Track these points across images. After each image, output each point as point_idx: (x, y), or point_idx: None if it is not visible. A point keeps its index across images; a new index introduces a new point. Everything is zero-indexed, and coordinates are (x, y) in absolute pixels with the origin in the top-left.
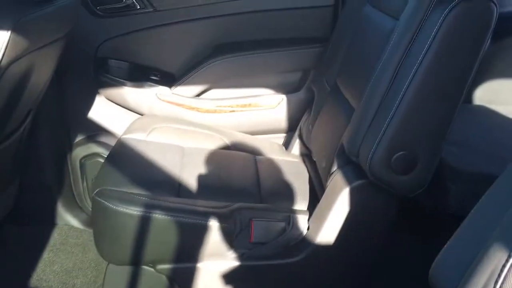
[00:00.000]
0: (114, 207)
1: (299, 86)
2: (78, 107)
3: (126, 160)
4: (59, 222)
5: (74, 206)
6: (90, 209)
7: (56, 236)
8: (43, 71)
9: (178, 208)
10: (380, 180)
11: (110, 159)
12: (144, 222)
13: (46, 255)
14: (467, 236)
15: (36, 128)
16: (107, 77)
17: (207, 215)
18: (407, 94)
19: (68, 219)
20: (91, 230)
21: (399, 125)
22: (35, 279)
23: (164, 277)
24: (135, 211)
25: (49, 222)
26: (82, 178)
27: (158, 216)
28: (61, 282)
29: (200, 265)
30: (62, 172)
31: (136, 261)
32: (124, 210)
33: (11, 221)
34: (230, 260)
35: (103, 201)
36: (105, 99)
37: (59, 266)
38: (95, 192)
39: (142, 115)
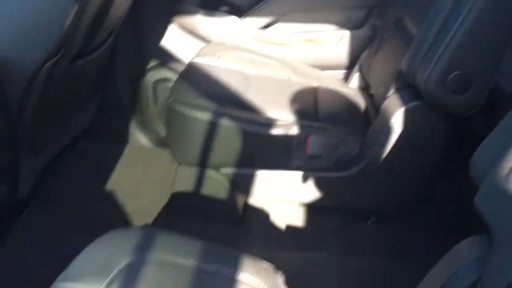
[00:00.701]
0: (187, 112)
1: (362, 22)
2: (153, 33)
3: (196, 79)
4: (131, 141)
5: (145, 127)
6: (159, 131)
7: (127, 153)
8: None
9: (243, 117)
10: (435, 100)
11: (182, 76)
12: (212, 128)
13: (119, 168)
14: (506, 130)
15: (115, 51)
16: (180, 5)
17: (268, 126)
18: (467, 18)
19: (139, 138)
20: (159, 150)
21: (456, 47)
22: (109, 186)
23: (226, 180)
24: (205, 116)
25: (122, 140)
26: (154, 101)
27: (225, 123)
28: (132, 190)
29: (259, 172)
30: (136, 95)
31: (203, 163)
32: (196, 115)
33: (89, 137)
34: (287, 170)
35: (177, 107)
36: (178, 27)
37: (130, 178)
38: (170, 100)
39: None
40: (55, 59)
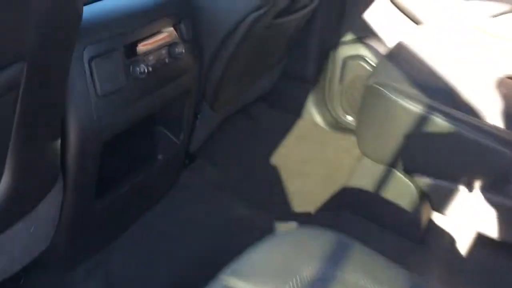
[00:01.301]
0: (394, 99)
1: None
2: (357, 3)
3: (405, 63)
4: (305, 115)
5: (323, 104)
6: (336, 111)
7: (300, 128)
8: None
9: (463, 119)
10: None
11: (389, 57)
12: (421, 123)
13: (288, 141)
14: None
15: (313, 17)
16: None
17: (490, 135)
18: None
19: (314, 115)
20: (332, 131)
21: None
22: (275, 159)
23: (416, 189)
24: (415, 107)
25: (296, 113)
26: (340, 78)
27: (439, 119)
28: (298, 169)
29: (461, 189)
30: (322, 68)
31: (393, 163)
32: (404, 103)
33: (264, 102)
34: (497, 195)
35: (382, 91)
36: (388, 0)
37: (297, 155)
38: (374, 81)
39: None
40: (259, 12)
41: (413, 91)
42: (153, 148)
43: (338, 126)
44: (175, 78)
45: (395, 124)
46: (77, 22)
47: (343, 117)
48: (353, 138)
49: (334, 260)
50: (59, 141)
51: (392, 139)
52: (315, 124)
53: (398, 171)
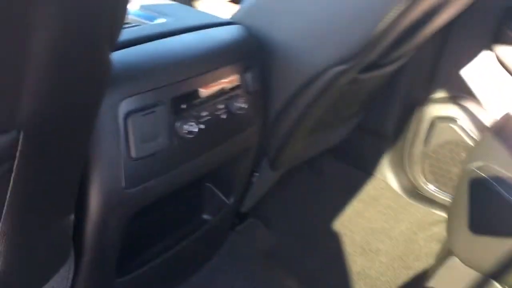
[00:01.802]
0: (502, 191)
1: None
2: (454, 58)
3: None
4: (378, 175)
5: (400, 166)
6: (416, 177)
7: (370, 187)
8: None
9: None
10: None
11: (495, 132)
12: None
13: (356, 203)
14: None
15: (402, 68)
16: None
17: None
18: None
19: (388, 176)
20: (408, 199)
21: None
22: (341, 223)
23: None
24: None
25: (368, 171)
26: (426, 140)
27: None
28: (365, 239)
29: None
30: (404, 126)
31: (495, 274)
32: None
33: (331, 155)
34: None
35: (488, 178)
36: (495, 58)
37: (364, 222)
38: (473, 164)
39: None
40: (343, 66)
41: None
42: (197, 208)
43: (416, 194)
44: (233, 136)
45: (502, 225)
46: (101, 80)
47: (423, 185)
48: (432, 212)
49: None
50: (71, 217)
51: (496, 244)
52: (389, 187)
53: (502, 286)
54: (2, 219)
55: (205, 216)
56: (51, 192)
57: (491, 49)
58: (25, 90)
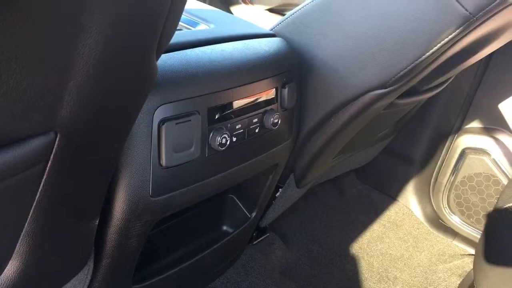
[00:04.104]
0: None
1: None
2: (490, 92)
3: None
4: (401, 200)
5: (425, 194)
6: (441, 206)
7: (392, 212)
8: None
9: None
10: None
11: None
12: None
13: (377, 227)
14: None
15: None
16: None
17: None
18: None
19: (412, 202)
20: (430, 228)
21: None
22: (359, 245)
23: None
24: None
25: (392, 195)
26: (453, 170)
27: None
28: (383, 265)
29: None
30: (433, 153)
31: None
32: None
33: (357, 174)
34: None
35: None
36: None
37: (386, 246)
38: (509, 202)
39: None
40: (384, 90)
41: None
42: (218, 220)
43: (439, 224)
44: (264, 151)
45: None
46: (144, 88)
47: (447, 215)
48: (454, 244)
49: None
50: (96, 222)
51: None
52: (411, 214)
53: None
54: (28, 220)
55: (225, 228)
56: (79, 196)
57: None
58: (67, 93)
